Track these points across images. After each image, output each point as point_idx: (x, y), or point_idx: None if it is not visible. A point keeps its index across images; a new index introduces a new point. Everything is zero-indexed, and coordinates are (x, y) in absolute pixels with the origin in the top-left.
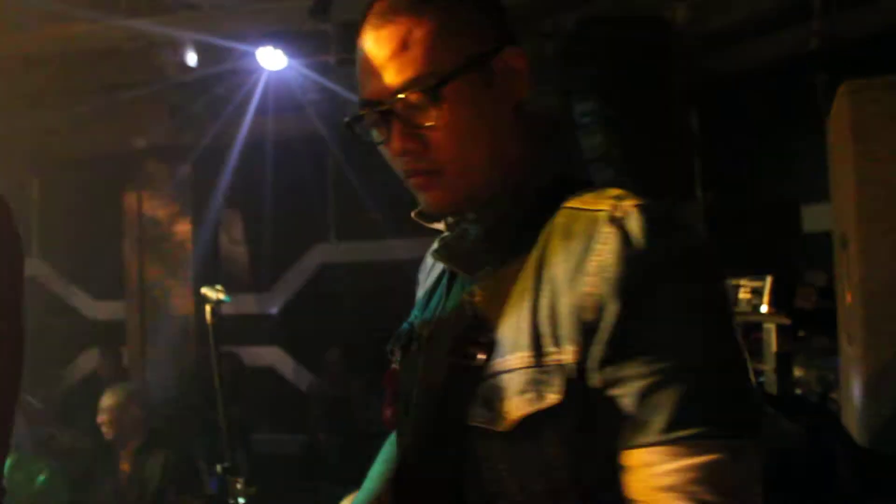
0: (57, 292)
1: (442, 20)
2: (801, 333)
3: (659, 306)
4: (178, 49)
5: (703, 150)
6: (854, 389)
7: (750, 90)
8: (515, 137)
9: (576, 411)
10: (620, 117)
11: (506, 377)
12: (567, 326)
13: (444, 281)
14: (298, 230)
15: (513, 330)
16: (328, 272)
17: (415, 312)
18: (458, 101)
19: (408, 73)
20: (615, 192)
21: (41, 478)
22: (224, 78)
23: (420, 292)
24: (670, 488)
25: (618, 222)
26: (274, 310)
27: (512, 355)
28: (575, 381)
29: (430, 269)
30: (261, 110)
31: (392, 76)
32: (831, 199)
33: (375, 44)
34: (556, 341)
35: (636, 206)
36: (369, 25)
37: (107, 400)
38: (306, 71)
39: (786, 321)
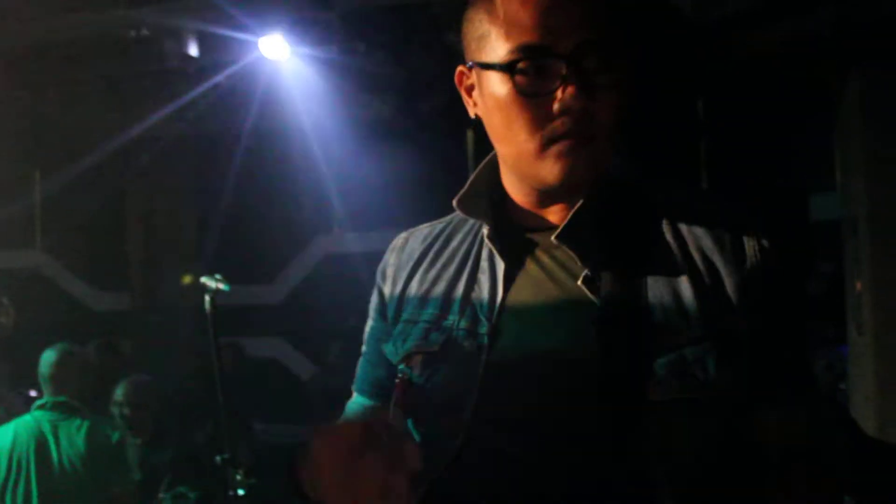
0: (59, 284)
1: None
2: (812, 325)
3: (798, 283)
4: (180, 38)
5: (709, 136)
6: (864, 380)
7: (758, 76)
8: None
9: (747, 373)
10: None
11: (691, 349)
12: (735, 298)
13: (488, 274)
14: (303, 220)
15: (674, 307)
16: (332, 263)
17: (430, 311)
18: (630, 70)
19: (599, 32)
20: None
21: (115, 434)
22: (227, 68)
23: (396, 294)
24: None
25: (754, 219)
26: (277, 300)
27: (685, 329)
28: (747, 344)
29: (419, 266)
30: (263, 100)
31: (583, 30)
32: (839, 187)
33: None
34: (727, 312)
35: (757, 209)
36: None
37: (121, 392)
38: (310, 61)
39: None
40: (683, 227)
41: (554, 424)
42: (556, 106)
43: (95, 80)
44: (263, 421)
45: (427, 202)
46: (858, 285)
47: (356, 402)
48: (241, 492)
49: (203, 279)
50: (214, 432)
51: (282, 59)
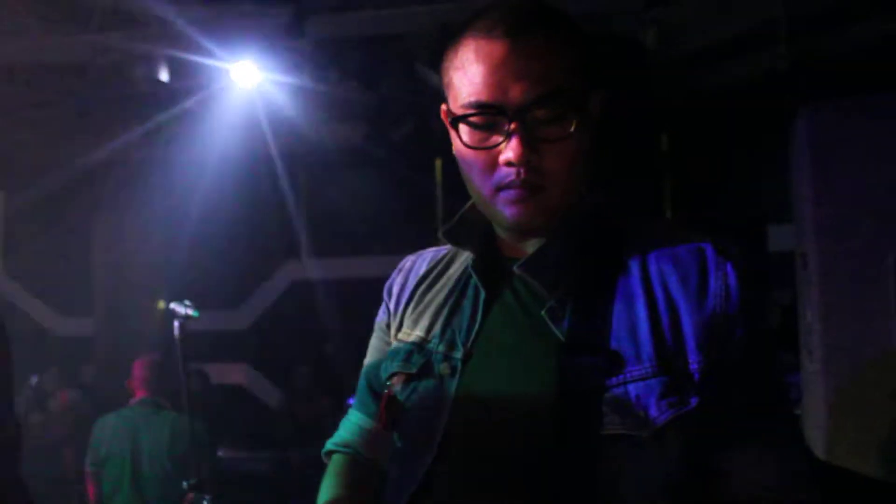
0: (21, 307)
1: (576, 41)
2: None
3: (766, 326)
4: (150, 64)
5: (672, 169)
6: (815, 405)
7: (720, 111)
8: (586, 174)
9: (697, 416)
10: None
11: (637, 385)
12: (693, 339)
13: (470, 301)
14: (270, 247)
15: (629, 341)
16: (299, 289)
17: (418, 333)
18: (581, 122)
19: (549, 86)
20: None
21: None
22: (197, 93)
23: (398, 312)
24: (771, 478)
25: (725, 253)
26: (244, 326)
27: (637, 365)
28: (700, 387)
29: (418, 288)
30: (233, 126)
31: (530, 85)
32: (794, 219)
33: (512, 48)
34: (682, 352)
35: (728, 244)
36: (501, 28)
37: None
38: (281, 88)
39: None
40: (652, 261)
41: (510, 452)
42: (501, 158)
43: (64, 103)
44: (230, 447)
45: (395, 231)
46: (808, 314)
47: (350, 419)
48: None
49: (172, 305)
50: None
51: (252, 85)
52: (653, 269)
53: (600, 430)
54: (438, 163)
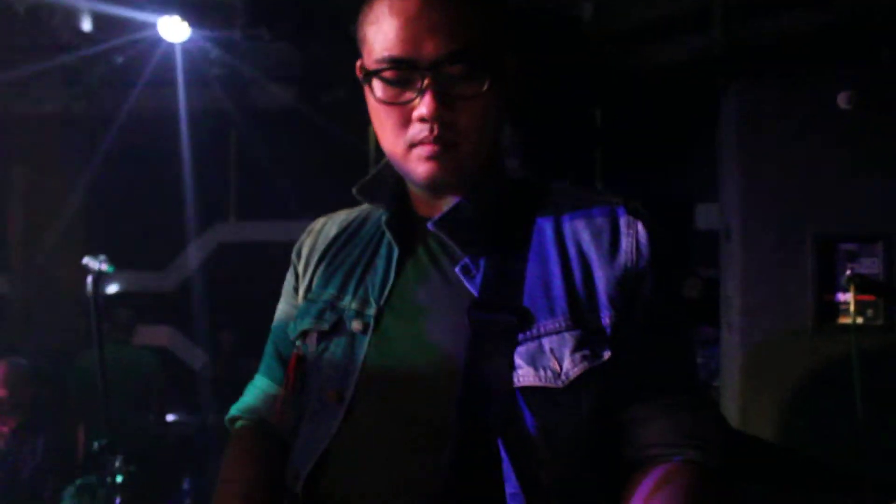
0: None
1: (493, 1)
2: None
3: (672, 284)
4: (71, 13)
5: (605, 144)
6: (732, 376)
7: (653, 90)
8: (502, 134)
9: (610, 369)
10: (525, 109)
11: (551, 339)
12: (605, 295)
13: (383, 259)
14: (198, 208)
15: (543, 297)
16: (227, 251)
17: (330, 291)
18: (494, 81)
19: (462, 42)
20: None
21: None
22: (123, 47)
23: (307, 273)
24: (680, 431)
25: (637, 212)
26: (170, 288)
27: (550, 320)
28: (611, 342)
29: (330, 249)
30: (160, 82)
31: (444, 41)
32: (719, 193)
33: (426, 3)
34: (595, 308)
35: (639, 203)
36: None
37: None
38: (210, 44)
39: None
40: (566, 221)
41: (422, 408)
42: (415, 114)
43: None
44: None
45: (326, 195)
46: (729, 287)
47: (255, 384)
48: (119, 478)
49: (85, 260)
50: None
51: (180, 40)
52: (566, 228)
53: (513, 383)
54: (371, 128)
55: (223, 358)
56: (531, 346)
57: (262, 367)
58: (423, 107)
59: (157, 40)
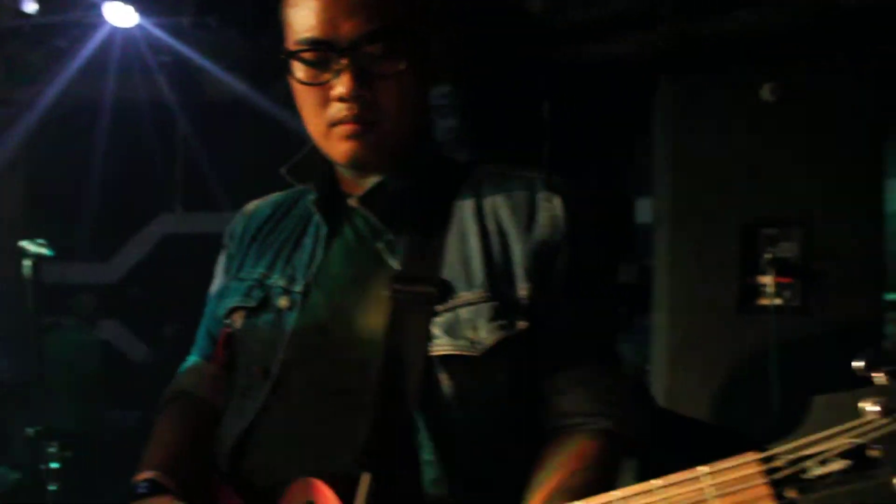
0: None
1: None
2: (623, 310)
3: (594, 257)
4: None
5: (552, 136)
6: (659, 357)
7: (600, 84)
8: (426, 113)
9: (526, 340)
10: (475, 101)
11: (468, 309)
12: (522, 267)
13: (311, 237)
14: (142, 199)
15: (461, 270)
16: (172, 243)
17: (259, 269)
18: (413, 61)
19: (379, 22)
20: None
21: None
22: (67, 30)
23: (239, 254)
24: (595, 401)
25: (555, 186)
26: (112, 280)
27: (469, 292)
28: (528, 313)
29: (262, 229)
30: (106, 69)
31: (361, 21)
32: (653, 182)
33: None
34: (511, 280)
35: (560, 177)
36: None
37: None
38: (158, 30)
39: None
40: (486, 196)
41: (346, 381)
42: (333, 93)
43: None
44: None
45: (273, 187)
46: (660, 273)
47: (189, 364)
48: (53, 465)
49: (23, 243)
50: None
51: (127, 25)
52: (487, 202)
53: (434, 351)
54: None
55: (166, 351)
56: (449, 316)
57: (195, 347)
58: (341, 86)
59: (103, 25)
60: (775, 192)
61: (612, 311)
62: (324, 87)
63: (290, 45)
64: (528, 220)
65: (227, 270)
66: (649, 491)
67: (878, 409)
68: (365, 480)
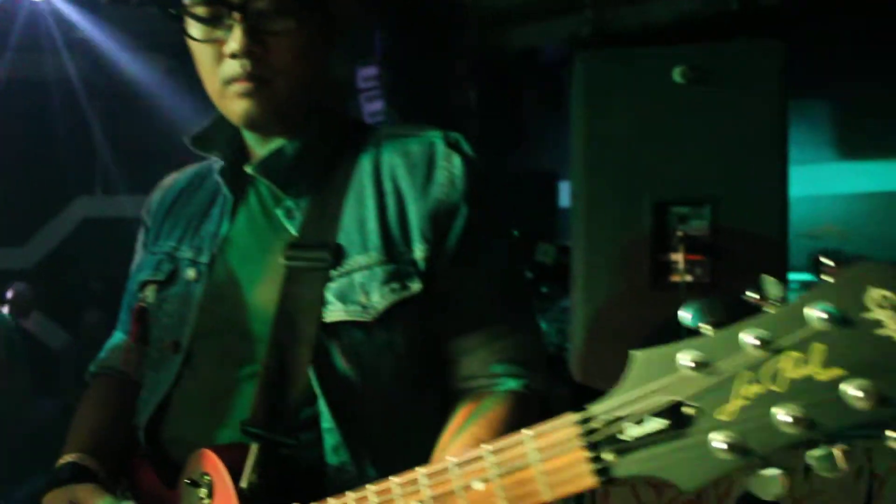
0: None
1: None
2: (544, 290)
3: (491, 216)
4: None
5: (479, 121)
6: (576, 334)
7: (526, 69)
8: (326, 74)
9: (425, 302)
10: (402, 84)
11: (362, 273)
12: (418, 228)
13: (219, 207)
14: (60, 181)
15: (356, 234)
16: (91, 227)
17: (170, 242)
18: (307, 19)
19: None
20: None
21: None
22: None
23: (155, 227)
24: (500, 360)
25: (455, 145)
26: (29, 265)
27: (363, 255)
28: (425, 274)
29: (176, 202)
30: (23, 47)
31: None
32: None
33: None
34: (407, 241)
35: (459, 135)
36: None
37: None
38: (77, 9)
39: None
40: (385, 158)
41: (250, 348)
42: (226, 49)
43: None
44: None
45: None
46: (575, 249)
47: (112, 340)
48: None
49: None
50: None
51: (44, 2)
52: (384, 164)
53: (329, 318)
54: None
55: (86, 338)
56: (343, 281)
57: (119, 323)
58: (234, 42)
59: (20, 2)
60: (686, 172)
61: (514, 270)
62: (217, 43)
63: (184, 2)
64: (425, 179)
65: (145, 245)
66: (480, 457)
67: (692, 363)
68: (253, 450)
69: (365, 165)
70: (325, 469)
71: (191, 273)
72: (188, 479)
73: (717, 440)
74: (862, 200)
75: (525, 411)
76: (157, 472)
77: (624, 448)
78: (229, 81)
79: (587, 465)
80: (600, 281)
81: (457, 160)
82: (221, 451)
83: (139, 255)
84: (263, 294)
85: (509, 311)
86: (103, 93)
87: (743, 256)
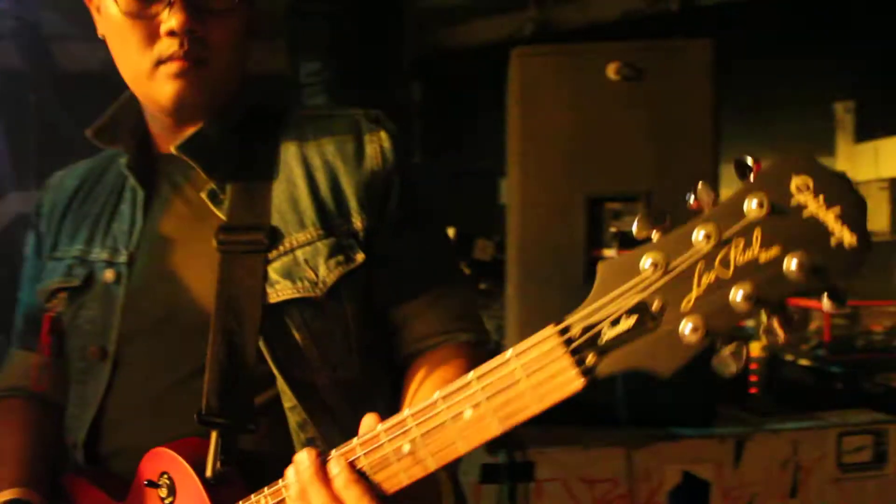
0: None
1: None
2: (482, 286)
3: (419, 184)
4: None
5: (422, 117)
6: (511, 329)
7: (469, 67)
8: (248, 56)
9: (366, 272)
10: (346, 80)
11: (304, 250)
12: (354, 200)
13: (129, 203)
14: None
15: (291, 212)
16: (26, 224)
17: (77, 246)
18: (244, 3)
19: None
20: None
21: None
22: None
23: (51, 231)
24: (450, 318)
25: (377, 121)
26: None
27: (301, 232)
28: (365, 244)
29: (72, 203)
30: None
31: None
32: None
33: None
34: (344, 213)
35: (378, 112)
36: None
37: None
38: None
39: (465, 271)
40: (310, 138)
41: (186, 345)
42: (162, 27)
43: None
44: None
45: None
46: (511, 246)
47: (12, 359)
48: None
49: None
50: None
51: None
52: (310, 143)
53: (275, 298)
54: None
55: None
56: (286, 259)
57: (15, 339)
58: (174, 19)
59: None
60: (620, 168)
61: (445, 234)
62: (151, 21)
63: None
64: (356, 153)
65: (39, 250)
66: (468, 383)
67: (654, 264)
68: (213, 438)
69: (290, 146)
70: (292, 448)
71: (109, 274)
72: (146, 481)
73: (686, 327)
74: None
75: (475, 360)
76: (101, 488)
77: (603, 349)
78: (163, 61)
79: (573, 368)
80: (534, 277)
81: (383, 134)
82: (178, 448)
83: (31, 263)
84: (197, 283)
85: (449, 272)
86: (40, 85)
87: None
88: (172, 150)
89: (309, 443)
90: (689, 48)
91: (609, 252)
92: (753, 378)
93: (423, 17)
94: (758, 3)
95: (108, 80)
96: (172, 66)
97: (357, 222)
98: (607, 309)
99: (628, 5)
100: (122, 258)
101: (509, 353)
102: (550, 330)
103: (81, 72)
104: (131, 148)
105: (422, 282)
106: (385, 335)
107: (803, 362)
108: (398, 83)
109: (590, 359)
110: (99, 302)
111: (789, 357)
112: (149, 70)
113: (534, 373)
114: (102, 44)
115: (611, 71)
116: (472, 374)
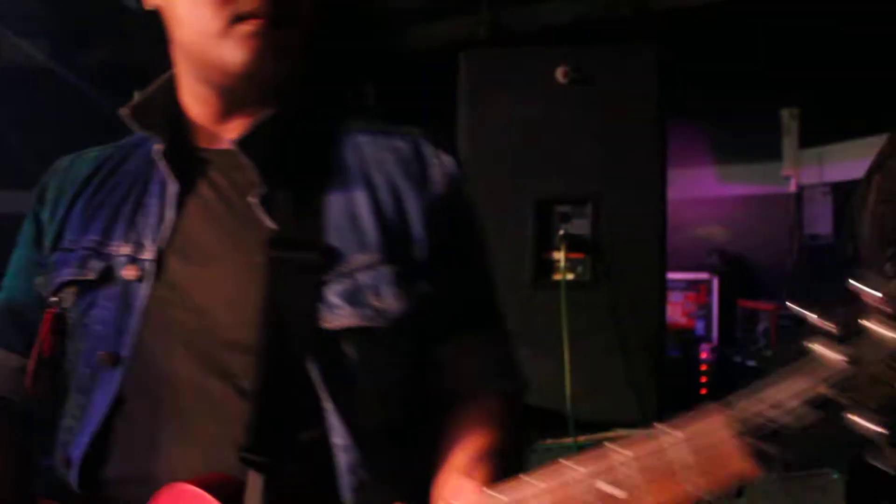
0: None
1: None
2: None
3: (477, 217)
4: None
5: (379, 119)
6: None
7: (424, 69)
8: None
9: (429, 304)
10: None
11: (367, 274)
12: (420, 225)
13: (156, 197)
14: None
15: (350, 231)
16: None
17: (91, 236)
18: None
19: None
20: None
21: None
22: None
23: (56, 219)
24: (496, 362)
25: (440, 144)
26: None
27: (361, 254)
28: (428, 274)
29: (84, 189)
30: None
31: None
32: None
33: None
34: (409, 239)
35: (437, 132)
36: None
37: None
38: None
39: None
40: (369, 151)
41: (220, 363)
42: None
43: None
44: None
45: None
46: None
47: None
48: None
49: None
50: None
51: None
52: (370, 157)
53: (333, 324)
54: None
55: None
56: (347, 283)
57: None
58: None
59: None
60: (569, 171)
61: (493, 271)
62: None
63: None
64: (420, 175)
65: (39, 240)
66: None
67: (839, 357)
68: (255, 481)
69: (348, 157)
70: (337, 494)
71: (130, 271)
72: None
73: (869, 427)
74: (740, 202)
75: (519, 411)
76: None
77: (781, 439)
78: (240, 18)
79: (746, 456)
80: None
81: (447, 159)
82: (207, 485)
83: (28, 253)
84: (240, 297)
85: (498, 313)
86: None
87: (622, 255)
88: (231, 145)
89: (359, 487)
90: (638, 52)
91: (557, 255)
92: (703, 379)
93: (378, 18)
94: (709, 10)
95: (50, 78)
96: (251, 25)
97: (421, 251)
98: (782, 394)
99: (580, 10)
100: (148, 255)
101: (676, 434)
102: (719, 412)
103: (24, 69)
104: (167, 135)
105: (474, 321)
106: (427, 370)
107: (751, 363)
108: (352, 85)
109: (766, 448)
110: (115, 301)
111: (737, 359)
112: (221, 28)
113: (702, 458)
114: (40, 42)
115: (559, 74)
116: (627, 452)
